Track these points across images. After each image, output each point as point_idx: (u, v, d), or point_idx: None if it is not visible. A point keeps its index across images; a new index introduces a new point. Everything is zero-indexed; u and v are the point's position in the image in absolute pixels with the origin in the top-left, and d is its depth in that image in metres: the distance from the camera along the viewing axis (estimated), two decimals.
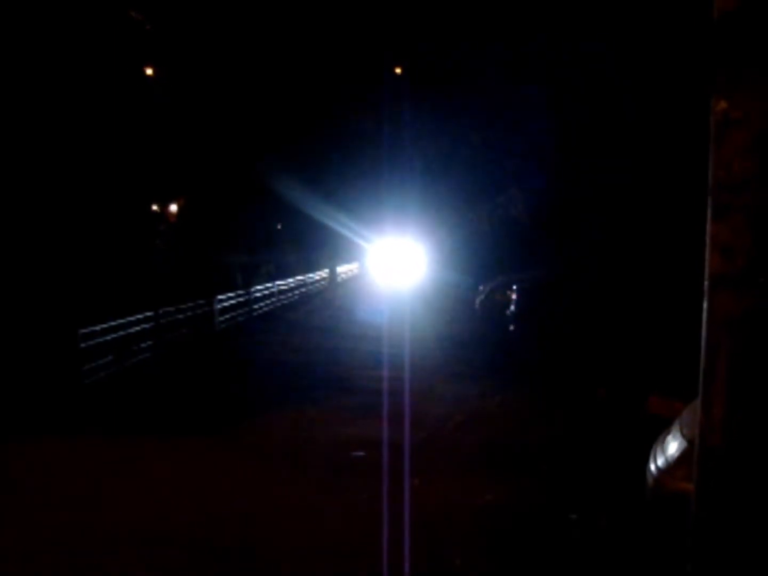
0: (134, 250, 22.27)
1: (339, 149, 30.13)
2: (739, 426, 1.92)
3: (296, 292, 26.93)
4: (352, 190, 31.01)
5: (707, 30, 2.06)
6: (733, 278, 1.95)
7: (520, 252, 23.11)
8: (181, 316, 14.19)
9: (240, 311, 18.37)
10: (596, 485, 6.39)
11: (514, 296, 14.77)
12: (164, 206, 30.54)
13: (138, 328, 12.07)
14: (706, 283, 2.03)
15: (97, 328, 10.75)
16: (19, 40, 18.29)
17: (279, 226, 34.18)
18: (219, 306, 16.50)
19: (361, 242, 36.02)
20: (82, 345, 10.22)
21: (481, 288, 19.73)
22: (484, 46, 21.40)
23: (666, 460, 4.55)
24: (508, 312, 15.19)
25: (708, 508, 1.99)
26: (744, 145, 1.92)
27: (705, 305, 2.03)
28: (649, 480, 4.67)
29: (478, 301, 19.64)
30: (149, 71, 24.43)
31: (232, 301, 17.87)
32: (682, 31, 14.09)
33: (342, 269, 40.99)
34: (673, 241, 13.36)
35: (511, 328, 14.85)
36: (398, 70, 27.19)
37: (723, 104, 1.94)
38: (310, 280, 30.92)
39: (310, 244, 34.77)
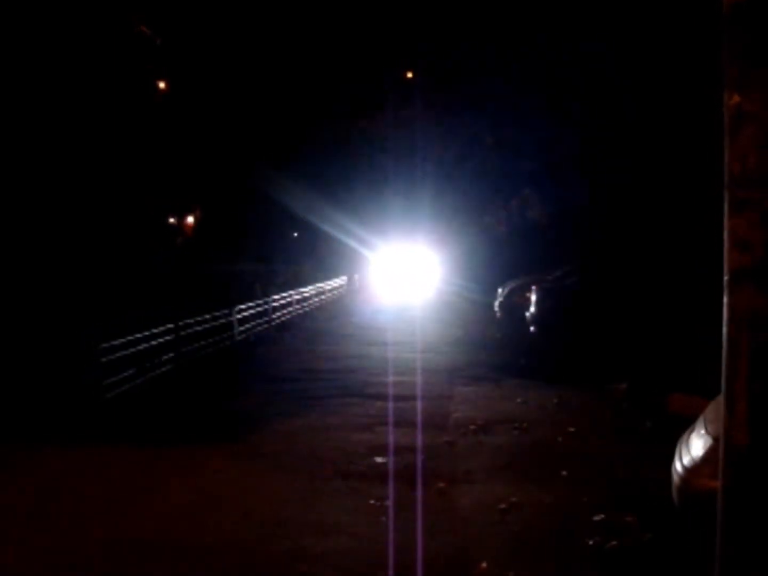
0: (152, 262, 22.44)
1: (351, 157, 30.20)
2: (764, 422, 1.90)
3: (314, 300, 26.95)
4: (364, 197, 31.05)
5: (718, 23, 2.04)
6: (752, 273, 1.93)
7: (538, 253, 23.02)
8: (200, 328, 14.22)
9: (259, 321, 18.42)
10: (621, 485, 6.34)
11: (533, 297, 14.70)
12: (181, 218, 30.78)
13: (158, 341, 12.12)
14: (725, 278, 2.01)
15: (117, 342, 10.80)
16: (39, 62, 18.55)
17: (295, 234, 34.29)
18: (238, 316, 16.55)
19: (375, 249, 36.01)
20: (103, 359, 10.26)
21: (499, 290, 19.67)
22: (493, 48, 21.41)
23: (691, 458, 4.50)
24: (527, 314, 15.13)
25: (735, 505, 1.97)
26: (758, 139, 1.90)
27: (725, 300, 2.01)
28: (675, 479, 4.62)
29: (496, 303, 19.58)
30: (162, 85, 24.67)
31: (251, 311, 17.92)
32: (688, 25, 14.05)
33: (358, 276, 40.97)
34: (695, 237, 13.28)
35: (531, 329, 14.79)
36: (410, 75, 27.23)
37: (736, 98, 1.92)
38: (328, 287, 30.94)
39: (327, 252, 34.85)
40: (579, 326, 12.76)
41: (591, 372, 11.17)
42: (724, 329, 2.01)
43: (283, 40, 24.89)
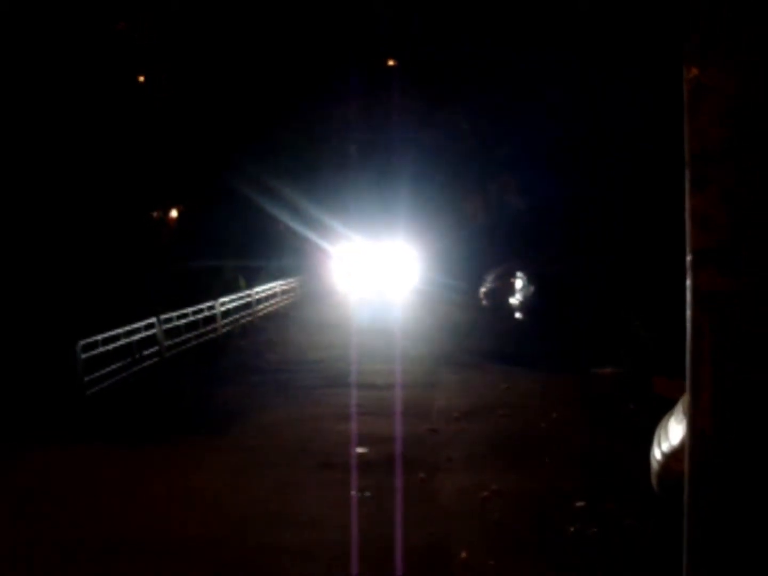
0: (135, 255, 22.28)
1: (328, 151, 29.96)
2: (729, 408, 1.84)
3: (299, 291, 26.84)
4: (339, 191, 30.79)
5: None
6: (715, 253, 1.86)
7: (520, 239, 22.98)
8: (184, 321, 14.10)
9: (243, 313, 18.28)
10: (603, 471, 6.31)
11: (518, 284, 14.64)
12: (165, 212, 30.61)
13: (140, 336, 12.00)
14: (688, 258, 1.94)
15: (99, 337, 10.68)
16: (23, 58, 18.38)
17: (279, 228, 34.13)
18: (222, 308, 16.42)
19: (353, 243, 35.78)
20: (84, 355, 10.14)
21: (486, 277, 19.60)
22: (472, 36, 21.31)
23: (669, 443, 4.46)
24: (512, 300, 15.08)
25: (700, 493, 1.91)
26: (718, 114, 1.83)
27: (688, 282, 1.94)
28: (654, 465, 4.58)
29: (481, 290, 19.52)
30: (141, 78, 24.52)
31: (235, 303, 17.78)
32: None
33: (340, 268, 40.69)
34: (679, 221, 13.26)
35: (517, 315, 14.74)
36: (391, 62, 27.06)
37: (694, 71, 1.85)
38: (311, 280, 30.76)
39: (309, 246, 34.68)
40: (564, 312, 12.73)
41: (576, 357, 11.14)
42: (688, 312, 1.94)
43: (259, 25, 24.69)
